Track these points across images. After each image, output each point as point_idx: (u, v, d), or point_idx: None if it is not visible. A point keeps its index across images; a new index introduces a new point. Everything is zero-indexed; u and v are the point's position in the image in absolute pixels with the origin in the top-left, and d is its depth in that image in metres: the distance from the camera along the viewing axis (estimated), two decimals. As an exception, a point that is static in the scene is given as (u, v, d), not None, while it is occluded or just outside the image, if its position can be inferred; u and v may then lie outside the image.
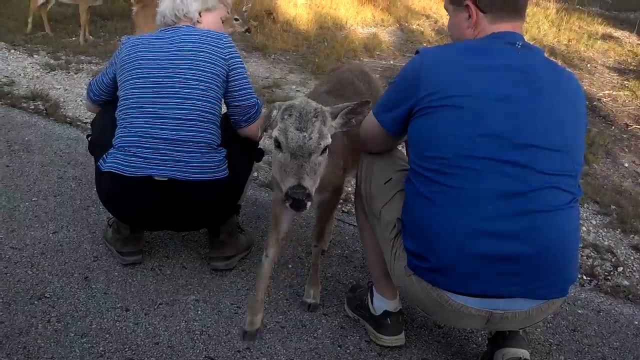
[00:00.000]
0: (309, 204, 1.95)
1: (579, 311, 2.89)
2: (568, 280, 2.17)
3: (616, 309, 2.95)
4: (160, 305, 2.65)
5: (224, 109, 2.87)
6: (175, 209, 2.62)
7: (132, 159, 2.59)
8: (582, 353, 2.64)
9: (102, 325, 2.51)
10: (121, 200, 2.66)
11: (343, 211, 3.64)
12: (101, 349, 2.39)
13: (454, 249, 2.08)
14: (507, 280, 2.07)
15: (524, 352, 2.32)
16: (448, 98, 2.11)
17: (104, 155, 2.68)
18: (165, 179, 2.58)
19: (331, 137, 2.11)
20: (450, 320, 2.30)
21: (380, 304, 2.58)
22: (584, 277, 3.22)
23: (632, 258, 3.43)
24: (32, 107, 4.73)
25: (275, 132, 2.06)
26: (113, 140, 2.68)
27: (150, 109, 2.62)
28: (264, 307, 2.56)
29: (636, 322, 2.86)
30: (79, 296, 2.66)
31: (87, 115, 4.48)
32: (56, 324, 2.49)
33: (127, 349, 2.40)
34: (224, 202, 2.78)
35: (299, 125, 2.04)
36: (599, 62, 7.32)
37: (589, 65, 7.19)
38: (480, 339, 2.65)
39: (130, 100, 2.67)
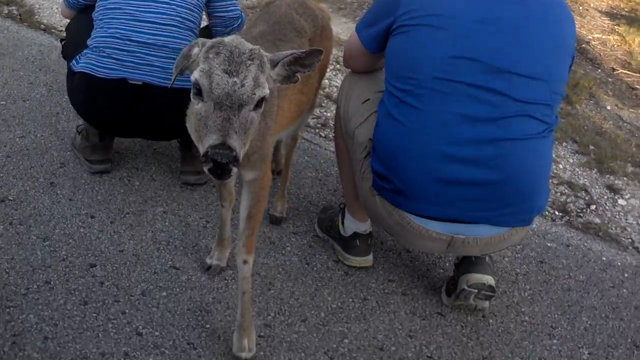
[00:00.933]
0: (234, 170, 1.53)
1: (548, 244, 2.89)
2: (533, 210, 2.15)
3: (585, 244, 2.96)
4: (127, 215, 2.60)
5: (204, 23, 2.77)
6: (148, 115, 2.55)
7: (106, 60, 2.50)
8: (548, 284, 2.65)
9: (66, 230, 2.47)
10: (93, 103, 2.58)
11: (320, 136, 3.58)
12: (64, 253, 2.35)
13: (417, 171, 2.05)
14: (470, 205, 2.05)
15: (488, 278, 2.32)
16: (426, 17, 2.05)
17: (77, 56, 2.60)
18: (139, 83, 2.51)
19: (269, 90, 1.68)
20: (412, 243, 2.30)
21: (351, 225, 2.56)
22: (556, 213, 3.22)
23: (605, 197, 3.43)
24: (6, 11, 4.53)
25: (195, 75, 1.61)
26: (88, 40, 2.59)
27: (129, 11, 2.53)
28: (232, 243, 2.45)
29: (604, 258, 2.88)
30: (43, 201, 2.60)
31: (62, 22, 4.31)
32: (18, 226, 2.44)
33: (90, 255, 2.37)
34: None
35: (229, 68, 1.59)
36: (592, 5, 7.17)
37: (581, 7, 7.04)
38: (447, 264, 2.65)
39: (109, 1, 2.57)
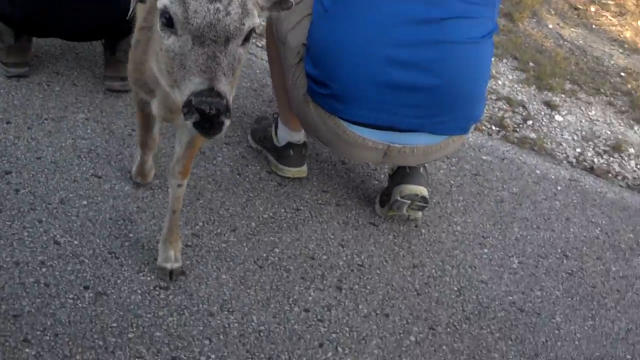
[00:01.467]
0: (227, 122, 1.21)
1: (483, 157, 2.88)
2: (470, 118, 2.12)
3: (520, 158, 2.96)
4: (46, 121, 2.44)
5: None
6: (64, 12, 2.35)
7: None
8: (482, 195, 2.65)
9: (-22, 136, 2.30)
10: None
11: (257, 46, 3.43)
12: (-25, 159, 2.20)
13: (355, 73, 1.97)
14: (408, 112, 1.99)
15: (421, 190, 2.29)
16: None
17: (-20, -51, 2.36)
18: None
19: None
20: (347, 153, 2.24)
21: (284, 135, 2.47)
22: (493, 128, 3.21)
23: (542, 113, 3.44)
24: None
25: (164, 0, 1.26)
26: None
27: None
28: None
29: (538, 171, 2.89)
30: (-49, 105, 2.41)
31: None
32: None
33: (5, 162, 2.22)
34: (118, 12, 2.51)
35: None
36: None
37: None
38: (382, 176, 2.61)
39: None
